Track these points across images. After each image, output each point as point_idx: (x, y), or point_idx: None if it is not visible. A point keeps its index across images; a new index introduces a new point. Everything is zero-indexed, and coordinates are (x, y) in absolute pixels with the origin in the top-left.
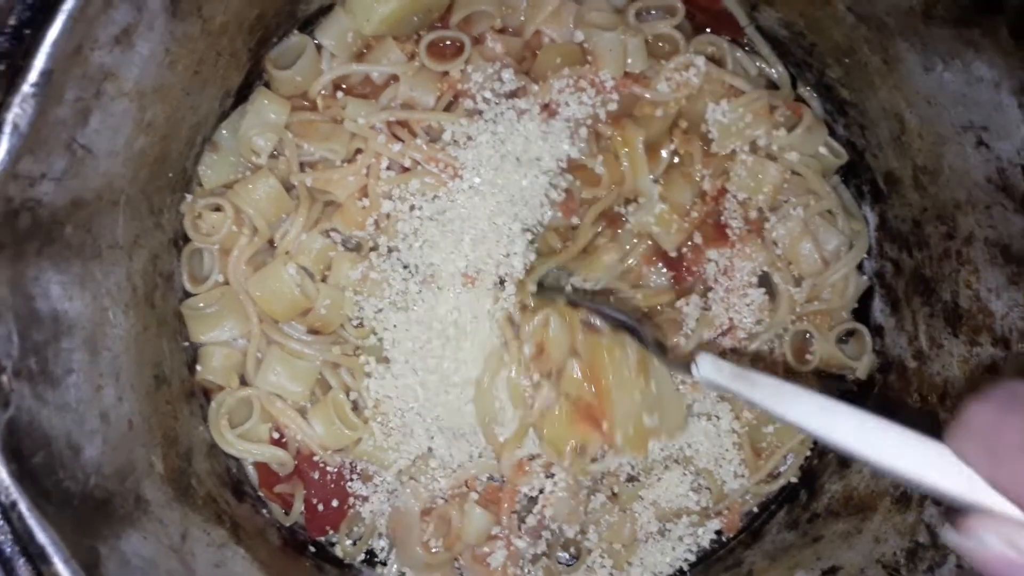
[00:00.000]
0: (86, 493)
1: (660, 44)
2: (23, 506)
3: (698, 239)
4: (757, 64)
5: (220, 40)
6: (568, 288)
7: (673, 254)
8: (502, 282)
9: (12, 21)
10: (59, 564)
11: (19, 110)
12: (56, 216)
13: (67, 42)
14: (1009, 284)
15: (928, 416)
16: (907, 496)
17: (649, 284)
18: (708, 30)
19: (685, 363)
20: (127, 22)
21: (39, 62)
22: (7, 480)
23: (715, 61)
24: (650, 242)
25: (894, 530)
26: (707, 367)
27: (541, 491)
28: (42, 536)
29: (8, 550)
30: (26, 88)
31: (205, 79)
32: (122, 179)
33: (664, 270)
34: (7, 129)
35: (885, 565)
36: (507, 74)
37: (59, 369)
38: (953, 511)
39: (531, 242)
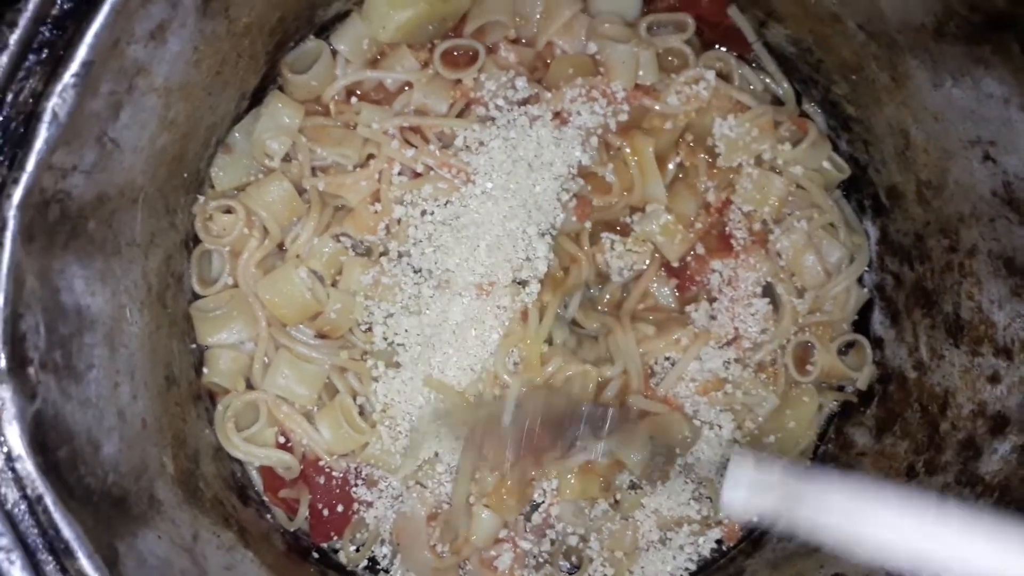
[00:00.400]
0: (104, 490)
1: (670, 58)
2: (49, 500)
3: (701, 250)
4: (762, 79)
5: (242, 41)
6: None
7: (676, 264)
8: (523, 283)
9: (55, 11)
10: (83, 559)
11: (59, 100)
12: (82, 210)
13: (108, 34)
14: (1012, 296)
15: None
16: None
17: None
18: (716, 46)
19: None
20: (162, 17)
21: (81, 53)
22: (34, 473)
23: (722, 76)
24: (656, 254)
25: None
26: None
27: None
28: (67, 530)
29: (33, 543)
30: (67, 78)
31: (225, 80)
32: (143, 176)
33: (667, 278)
34: (47, 118)
35: (890, 572)
36: (520, 82)
37: (82, 364)
38: None
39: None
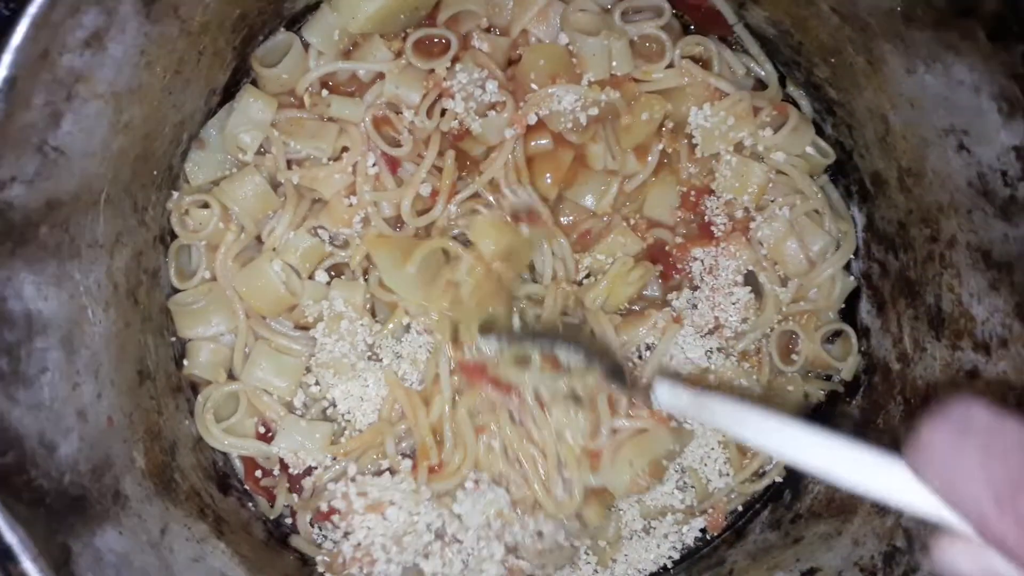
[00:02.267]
0: (60, 490)
1: (647, 44)
2: None
3: (680, 239)
4: (743, 63)
5: (201, 40)
6: (516, 326)
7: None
8: None
9: None
10: (27, 562)
11: None
12: (30, 218)
13: (32, 48)
14: (990, 289)
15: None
16: None
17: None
18: (692, 28)
19: (644, 391)
20: (96, 26)
21: (2, 69)
22: None
23: (702, 62)
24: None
25: (873, 533)
26: (664, 394)
27: None
28: (9, 535)
29: None
30: None
31: (187, 78)
32: (101, 179)
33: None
34: None
35: (863, 568)
36: (491, 85)
37: (32, 368)
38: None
39: None
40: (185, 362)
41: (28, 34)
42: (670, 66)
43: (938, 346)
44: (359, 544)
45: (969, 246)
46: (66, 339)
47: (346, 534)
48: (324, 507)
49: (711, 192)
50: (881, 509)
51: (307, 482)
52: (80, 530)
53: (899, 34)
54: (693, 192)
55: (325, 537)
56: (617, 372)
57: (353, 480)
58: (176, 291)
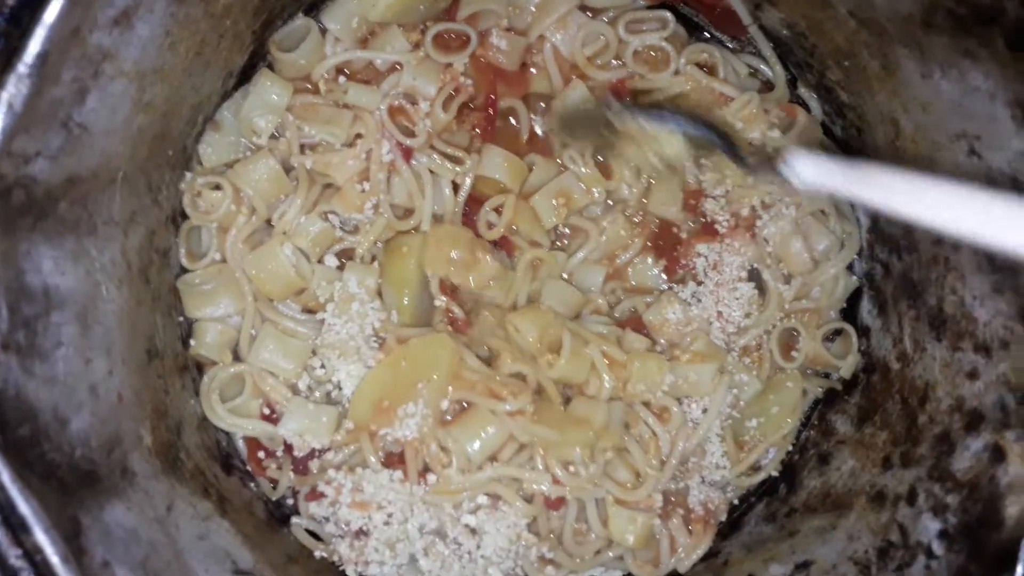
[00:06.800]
0: (71, 464)
1: (652, 53)
2: (5, 477)
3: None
4: (748, 64)
5: (223, 22)
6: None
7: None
8: None
9: (11, 2)
10: (39, 534)
11: (13, 90)
12: (51, 193)
13: (64, 24)
14: (993, 292)
15: None
16: (882, 496)
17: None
18: (705, 28)
19: (770, 163)
20: (126, 4)
21: (35, 44)
22: None
23: (707, 68)
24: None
25: (868, 528)
26: (805, 166)
27: None
28: (24, 506)
29: None
30: (21, 68)
31: (207, 60)
32: (120, 157)
33: (657, 258)
34: (1, 108)
35: (856, 562)
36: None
37: (48, 342)
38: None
39: None
40: (192, 342)
41: (62, 10)
42: (675, 73)
43: (938, 347)
44: (352, 544)
45: (975, 249)
46: (81, 315)
47: (341, 535)
48: (320, 487)
49: (704, 194)
50: (876, 505)
51: (313, 464)
52: (90, 504)
53: (916, 39)
54: (691, 198)
55: (327, 519)
56: (731, 140)
57: (352, 471)
58: (185, 271)
